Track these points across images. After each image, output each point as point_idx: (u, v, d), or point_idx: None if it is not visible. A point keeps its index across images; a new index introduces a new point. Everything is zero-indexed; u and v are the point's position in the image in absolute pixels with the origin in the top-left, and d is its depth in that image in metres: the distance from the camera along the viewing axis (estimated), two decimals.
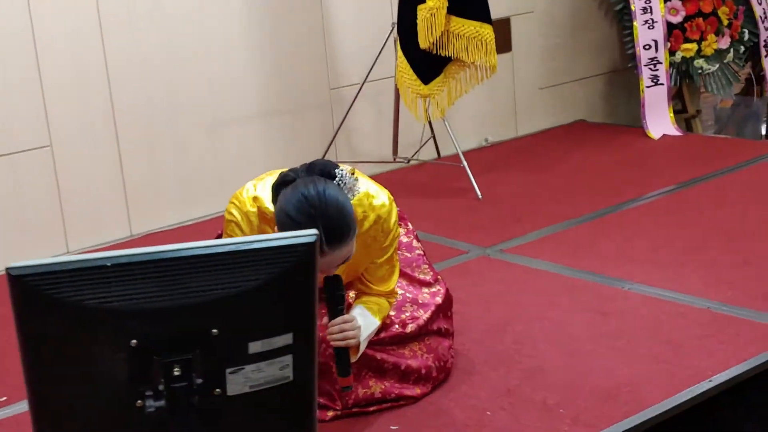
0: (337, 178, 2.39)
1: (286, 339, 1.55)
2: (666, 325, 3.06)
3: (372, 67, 4.59)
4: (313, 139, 4.71)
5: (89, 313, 1.43)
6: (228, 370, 1.54)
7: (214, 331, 1.50)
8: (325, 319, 2.47)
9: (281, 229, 2.31)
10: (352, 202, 2.41)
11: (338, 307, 2.45)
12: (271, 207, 2.45)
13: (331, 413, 2.67)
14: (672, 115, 5.26)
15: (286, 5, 4.59)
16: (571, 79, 5.62)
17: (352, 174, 2.44)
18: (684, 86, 5.45)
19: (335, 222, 2.28)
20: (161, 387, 1.47)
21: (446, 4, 4.26)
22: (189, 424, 1.50)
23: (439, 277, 2.97)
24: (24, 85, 3.96)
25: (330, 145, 4.67)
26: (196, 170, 4.40)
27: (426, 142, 4.85)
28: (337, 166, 2.44)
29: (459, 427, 2.59)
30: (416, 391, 2.73)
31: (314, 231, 1.53)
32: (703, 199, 4.21)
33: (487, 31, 4.34)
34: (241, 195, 2.54)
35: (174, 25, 4.29)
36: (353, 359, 2.54)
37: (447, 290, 2.93)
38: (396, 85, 4.57)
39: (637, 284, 3.37)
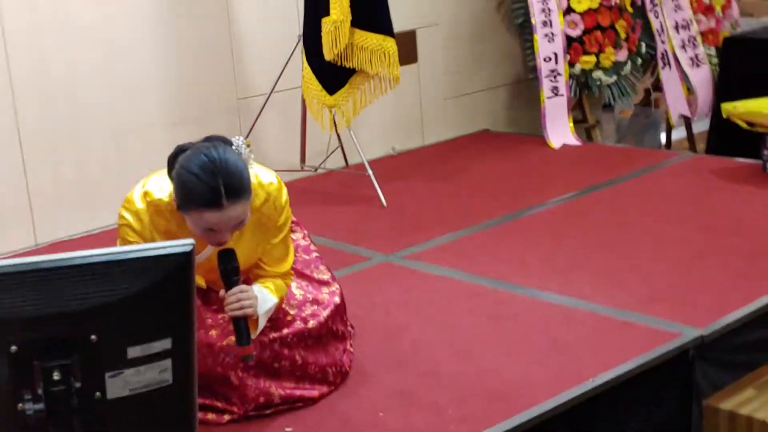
0: (234, 146, 2.55)
1: (164, 344, 1.61)
2: (554, 328, 3.19)
3: (279, 78, 4.66)
4: None
5: None
6: (108, 375, 1.60)
7: (93, 337, 1.56)
8: (222, 292, 2.58)
9: (182, 189, 2.45)
10: None
11: (233, 278, 2.56)
12: (162, 196, 2.58)
13: (227, 416, 2.73)
14: (572, 125, 5.43)
15: (191, 14, 4.64)
16: (475, 90, 5.76)
17: (248, 146, 2.60)
18: (584, 97, 5.63)
19: (235, 178, 2.45)
20: (40, 391, 1.53)
21: (350, 17, 4.35)
22: (69, 427, 1.56)
23: (335, 278, 3.07)
24: None
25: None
26: (100, 179, 4.42)
27: (333, 151, 4.93)
28: (231, 140, 2.60)
29: (351, 428, 2.68)
30: (314, 393, 2.81)
31: (191, 241, 1.60)
32: (597, 206, 4.36)
33: (389, 44, 4.44)
34: (131, 196, 2.64)
35: (79, 34, 4.31)
36: (253, 335, 2.63)
37: (341, 291, 3.02)
38: (303, 95, 4.65)
39: (531, 289, 3.50)
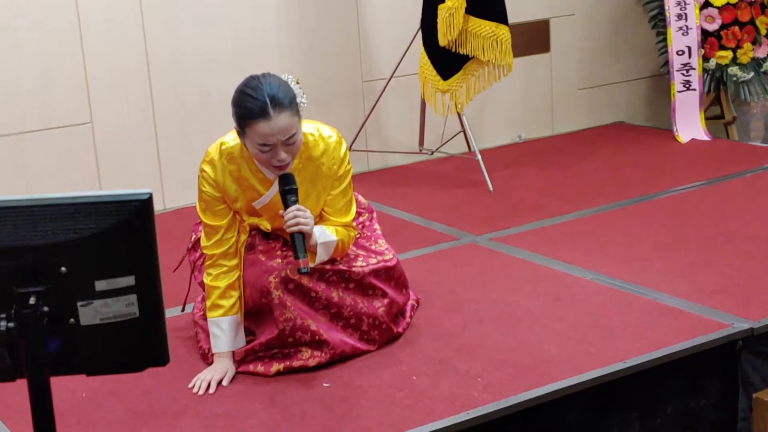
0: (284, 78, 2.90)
1: (128, 280, 1.85)
2: (608, 312, 3.24)
3: (400, 62, 4.85)
4: (344, 127, 4.93)
5: None
6: (79, 303, 1.85)
7: (63, 269, 1.82)
8: (281, 211, 2.86)
9: (236, 108, 2.81)
10: (305, 122, 2.91)
11: (292, 198, 2.85)
12: (234, 144, 2.92)
13: (274, 369, 2.96)
14: (703, 120, 5.35)
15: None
16: (611, 81, 5.75)
17: (297, 83, 2.91)
18: (722, 93, 5.53)
19: (277, 90, 2.79)
20: (13, 312, 1.80)
21: (464, 4, 4.49)
22: (40, 345, 1.82)
23: (393, 252, 3.22)
24: (67, 63, 4.39)
25: (359, 132, 4.95)
26: None
27: (454, 136, 5.08)
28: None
29: (382, 387, 2.85)
30: (339, 337, 2.98)
31: (148, 190, 1.83)
32: (702, 200, 4.33)
33: (503, 32, 4.55)
34: (209, 149, 2.98)
35: (211, 16, 4.66)
36: (312, 264, 2.89)
37: (398, 262, 3.18)
38: None
39: (601, 275, 3.55)
